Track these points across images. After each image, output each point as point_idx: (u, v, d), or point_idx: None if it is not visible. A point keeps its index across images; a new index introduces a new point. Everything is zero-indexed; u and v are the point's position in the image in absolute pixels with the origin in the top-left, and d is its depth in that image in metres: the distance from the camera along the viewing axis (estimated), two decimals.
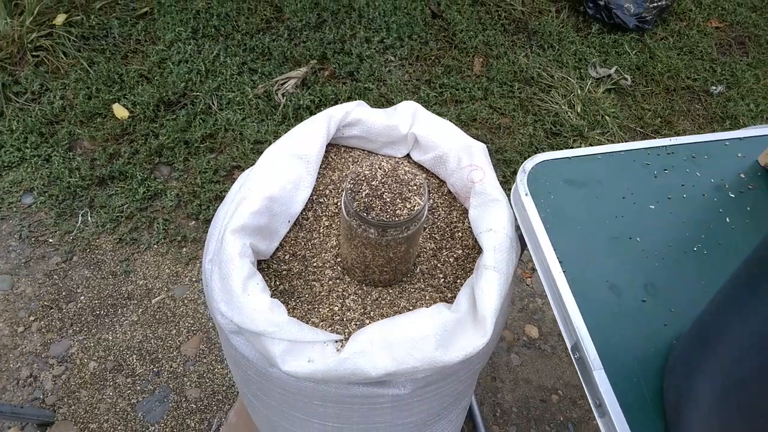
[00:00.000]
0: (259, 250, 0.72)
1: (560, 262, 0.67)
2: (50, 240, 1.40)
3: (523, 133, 1.66)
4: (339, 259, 0.76)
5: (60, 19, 1.68)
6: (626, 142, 1.69)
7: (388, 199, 0.60)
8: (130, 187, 1.46)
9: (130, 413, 1.18)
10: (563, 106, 1.74)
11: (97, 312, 1.31)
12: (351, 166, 0.84)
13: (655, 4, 1.98)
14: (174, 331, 1.29)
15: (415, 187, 0.62)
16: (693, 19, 2.09)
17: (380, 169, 0.63)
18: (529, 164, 0.75)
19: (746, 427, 0.40)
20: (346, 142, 0.86)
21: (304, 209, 0.79)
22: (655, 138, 1.73)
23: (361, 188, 0.61)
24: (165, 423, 1.17)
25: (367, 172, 0.62)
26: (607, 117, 1.73)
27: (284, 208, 0.76)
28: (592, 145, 1.67)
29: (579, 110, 1.74)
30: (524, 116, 1.70)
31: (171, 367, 1.24)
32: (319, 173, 0.82)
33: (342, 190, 0.82)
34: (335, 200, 0.81)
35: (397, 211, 0.60)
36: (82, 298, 1.33)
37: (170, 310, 1.32)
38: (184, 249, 1.41)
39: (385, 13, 1.88)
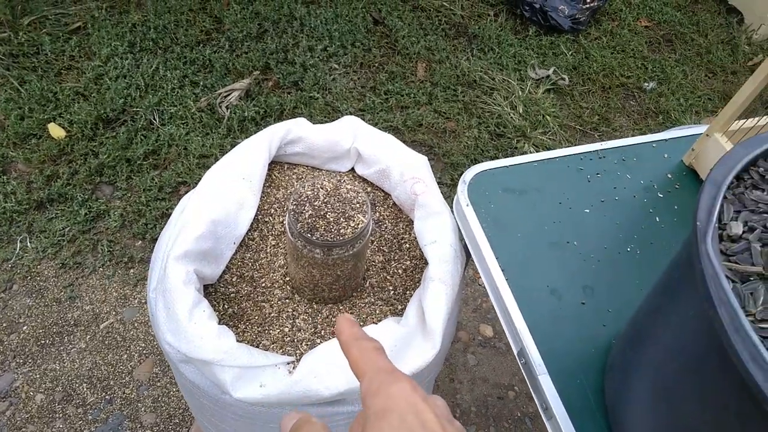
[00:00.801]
0: (205, 275, 0.71)
1: (503, 270, 0.69)
2: None
3: (469, 135, 1.69)
4: (287, 278, 0.76)
5: None
6: (566, 140, 1.75)
7: (331, 219, 0.61)
8: (70, 210, 1.41)
9: None
10: (506, 108, 1.78)
11: (42, 341, 1.26)
12: (295, 183, 0.84)
13: (588, 6, 2.06)
14: (125, 356, 1.26)
15: (358, 205, 0.62)
16: (624, 19, 2.18)
17: (322, 188, 0.64)
18: (468, 175, 0.77)
19: (675, 428, 0.43)
20: (289, 159, 0.86)
21: (249, 229, 0.79)
22: (594, 135, 1.80)
23: (303, 209, 0.61)
24: None
25: (309, 193, 0.62)
26: (548, 116, 1.79)
27: (229, 230, 0.75)
28: (535, 145, 1.72)
29: (521, 111, 1.79)
30: (468, 119, 1.74)
31: (124, 393, 1.20)
32: (263, 192, 0.82)
33: (286, 210, 0.83)
34: (281, 219, 0.81)
35: (341, 230, 0.61)
36: (25, 328, 1.27)
37: (120, 334, 1.29)
38: (132, 270, 1.38)
39: (326, 21, 1.88)
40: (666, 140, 0.86)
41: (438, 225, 0.74)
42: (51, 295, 1.32)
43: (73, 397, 1.19)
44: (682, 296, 0.44)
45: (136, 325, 1.30)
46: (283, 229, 0.80)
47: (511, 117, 1.76)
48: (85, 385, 1.21)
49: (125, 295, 1.34)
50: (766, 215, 0.42)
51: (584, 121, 1.83)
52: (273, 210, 0.81)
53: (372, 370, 0.31)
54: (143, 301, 1.33)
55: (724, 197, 0.43)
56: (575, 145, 1.78)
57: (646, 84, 1.97)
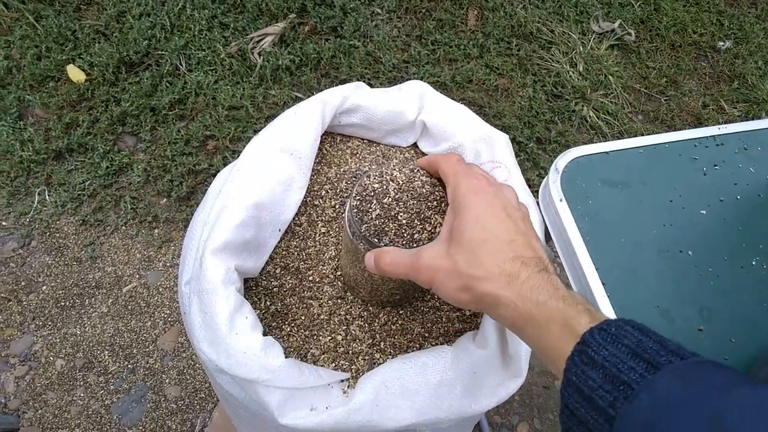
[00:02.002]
0: (246, 269, 0.61)
1: (603, 284, 0.57)
2: (3, 223, 1.25)
3: (523, 95, 1.54)
4: (339, 273, 0.65)
5: None
6: (629, 104, 1.58)
7: (404, 221, 0.48)
8: (91, 161, 1.31)
9: (105, 416, 1.08)
10: (565, 65, 1.61)
11: (62, 303, 1.18)
12: (349, 160, 0.72)
13: None
14: (149, 323, 1.18)
15: (435, 203, 0.50)
16: None
17: (393, 181, 0.51)
18: (561, 161, 0.64)
19: None
20: (343, 131, 0.73)
21: (296, 214, 0.67)
22: (660, 99, 1.63)
23: (370, 207, 0.49)
24: (143, 425, 1.08)
25: (376, 186, 0.50)
26: (610, 77, 1.62)
27: (274, 215, 0.64)
28: (595, 108, 1.56)
29: (581, 69, 1.61)
30: (523, 76, 1.57)
31: (147, 363, 1.13)
32: (312, 170, 0.69)
33: (339, 191, 0.70)
34: (332, 202, 0.69)
35: (416, 236, 0.49)
36: (44, 288, 1.20)
37: (143, 299, 1.21)
38: (156, 230, 1.28)
39: None
40: None
41: None
42: (71, 253, 1.23)
43: (95, 364, 1.12)
44: None
45: (160, 290, 1.22)
46: (335, 215, 0.68)
47: (570, 76, 1.59)
48: (106, 352, 1.14)
49: (149, 257, 1.25)
50: None
51: (650, 83, 1.66)
52: (324, 191, 0.69)
53: (457, 170, 0.43)
54: (168, 264, 1.25)
55: None
56: (639, 109, 1.62)
57: (721, 43, 1.77)
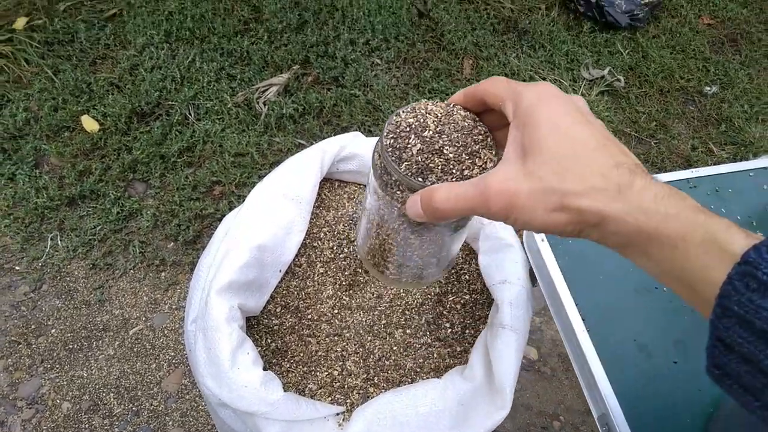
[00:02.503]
0: (248, 308, 0.65)
1: (583, 319, 0.60)
2: (17, 268, 1.30)
3: None
4: (353, 249, 0.51)
5: (20, 23, 1.56)
6: None
7: (450, 155, 0.40)
8: (102, 207, 1.37)
9: None
10: None
11: (70, 346, 1.22)
12: (346, 204, 0.77)
13: (647, 1, 1.92)
14: (154, 365, 1.21)
15: (480, 138, 0.42)
16: (685, 16, 2.04)
17: (430, 114, 0.42)
18: None
19: None
20: (341, 177, 0.78)
21: (296, 255, 0.72)
22: (650, 142, 1.68)
23: (408, 143, 0.41)
24: None
25: (411, 121, 0.42)
26: (602, 121, 1.68)
27: (275, 256, 0.68)
28: None
29: None
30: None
31: (151, 405, 1.16)
32: (312, 214, 0.74)
33: (337, 233, 0.75)
34: (330, 244, 0.73)
35: (466, 172, 0.41)
36: (53, 331, 1.23)
37: (149, 341, 1.24)
38: (163, 273, 1.32)
39: (369, 13, 1.79)
40: (765, 168, 0.76)
41: (508, 261, 0.66)
42: (80, 297, 1.27)
43: (100, 407, 1.15)
44: None
45: (165, 332, 1.25)
46: (332, 255, 0.73)
47: None
48: (112, 394, 1.16)
49: (156, 299, 1.29)
50: None
51: (640, 126, 1.72)
52: (322, 234, 0.74)
53: (512, 86, 0.36)
54: (174, 306, 1.28)
55: None
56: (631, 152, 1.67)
57: (707, 88, 1.84)
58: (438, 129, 0.41)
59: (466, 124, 0.42)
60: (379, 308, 0.71)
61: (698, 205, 0.30)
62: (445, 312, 0.72)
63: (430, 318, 0.71)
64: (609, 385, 0.57)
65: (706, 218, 0.28)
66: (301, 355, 0.67)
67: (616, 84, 1.78)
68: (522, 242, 0.69)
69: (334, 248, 0.73)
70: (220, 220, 1.34)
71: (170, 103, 1.52)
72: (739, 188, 0.74)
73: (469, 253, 0.76)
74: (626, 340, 0.60)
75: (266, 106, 1.55)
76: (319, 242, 0.73)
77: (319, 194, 0.77)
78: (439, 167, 0.40)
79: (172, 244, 1.36)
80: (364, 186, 0.79)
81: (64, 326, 1.24)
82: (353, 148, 0.74)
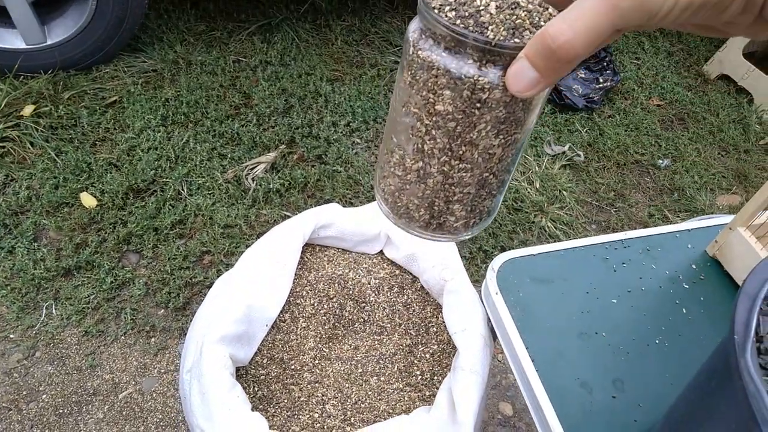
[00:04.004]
0: (238, 358, 0.73)
1: (533, 360, 0.69)
2: (11, 336, 1.35)
3: None
4: (380, 188, 0.41)
5: (28, 110, 1.70)
6: (583, 215, 1.78)
7: (530, 6, 0.31)
8: (97, 277, 1.44)
9: None
10: (523, 183, 1.82)
11: (60, 411, 1.25)
12: (326, 266, 0.87)
13: (601, 85, 2.13)
14: (142, 428, 1.24)
15: None
16: (636, 98, 2.25)
17: None
18: (497, 263, 0.79)
19: None
20: (321, 242, 0.88)
21: (281, 312, 0.80)
22: (610, 210, 1.82)
23: (479, 3, 0.31)
24: None
25: None
26: (564, 192, 1.82)
27: (262, 313, 0.77)
28: (552, 220, 1.74)
29: (538, 186, 1.82)
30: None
31: None
32: (295, 274, 0.84)
33: (318, 291, 0.84)
34: (311, 301, 0.82)
35: (535, 20, 0.31)
36: (44, 396, 1.27)
37: (138, 405, 1.28)
38: (153, 339, 1.38)
39: (350, 98, 1.97)
40: (689, 230, 0.88)
41: (467, 312, 0.76)
42: (72, 363, 1.32)
43: None
44: (721, 408, 0.45)
45: (154, 395, 1.30)
46: (313, 311, 0.82)
47: (528, 192, 1.80)
48: None
49: (145, 364, 1.34)
50: None
51: (600, 196, 1.86)
52: (305, 292, 0.83)
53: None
54: (163, 370, 1.33)
55: (759, 309, 0.45)
56: (593, 219, 1.81)
57: (660, 161, 2.01)
58: None
59: None
60: (356, 358, 0.79)
61: None
62: (415, 361, 0.80)
63: (402, 366, 0.79)
64: (556, 418, 0.65)
65: None
66: (285, 401, 0.74)
67: (576, 158, 1.95)
68: (480, 297, 0.79)
69: (315, 305, 0.82)
70: (209, 287, 1.42)
71: (165, 180, 1.64)
72: (667, 248, 0.85)
73: (436, 307, 0.85)
74: (570, 379, 0.68)
75: (254, 182, 1.67)
76: (302, 300, 0.82)
77: (301, 258, 0.87)
78: (527, 21, 0.31)
79: (162, 310, 1.43)
80: (342, 249, 0.90)
81: (55, 391, 1.28)
82: (331, 218, 0.85)
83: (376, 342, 0.81)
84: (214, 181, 1.66)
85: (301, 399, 0.74)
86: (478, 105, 0.32)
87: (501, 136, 0.34)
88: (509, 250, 1.64)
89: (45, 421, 1.24)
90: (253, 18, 2.26)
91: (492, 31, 0.30)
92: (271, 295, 0.78)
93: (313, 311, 0.82)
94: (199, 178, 1.66)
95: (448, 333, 0.81)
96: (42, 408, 1.26)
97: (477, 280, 1.55)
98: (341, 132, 1.86)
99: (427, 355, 0.81)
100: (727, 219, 0.88)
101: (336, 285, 0.84)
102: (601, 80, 2.15)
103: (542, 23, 0.31)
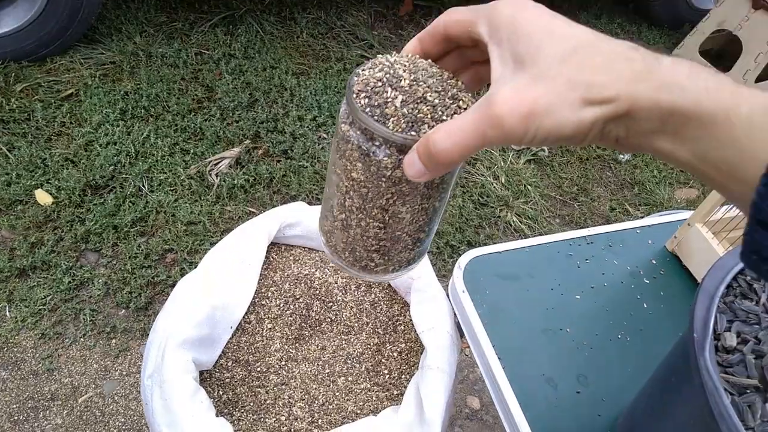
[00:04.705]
0: (202, 362, 0.71)
1: (499, 358, 0.70)
2: None
3: (453, 204, 1.73)
4: (325, 235, 0.46)
5: None
6: (547, 209, 1.80)
7: (436, 101, 0.35)
8: (53, 278, 1.39)
9: None
10: (489, 178, 1.84)
11: (15, 418, 1.21)
12: (292, 265, 0.85)
13: None
14: None
15: (453, 81, 0.37)
16: None
17: (397, 64, 0.37)
18: (464, 260, 0.79)
19: None
20: (287, 241, 0.87)
21: (246, 313, 0.79)
22: (573, 204, 1.86)
23: (387, 98, 0.35)
24: None
25: (380, 75, 0.36)
26: (529, 186, 1.85)
27: (226, 314, 0.76)
28: (518, 214, 1.76)
29: (503, 181, 1.84)
30: (453, 189, 1.78)
31: None
32: (260, 275, 0.82)
33: (283, 292, 0.83)
34: (277, 302, 0.81)
35: (454, 116, 0.35)
36: None
37: (99, 408, 1.24)
38: (114, 340, 1.35)
39: (316, 92, 1.95)
40: (649, 226, 0.90)
41: (434, 311, 0.76)
42: (28, 367, 1.28)
43: None
44: (680, 403, 0.46)
45: (116, 398, 1.26)
46: (279, 312, 0.80)
47: (494, 187, 1.82)
48: None
49: (106, 366, 1.30)
50: (756, 326, 0.45)
51: (564, 191, 1.90)
52: (270, 293, 0.81)
53: (475, 11, 0.33)
54: (125, 373, 1.30)
55: (717, 307, 0.46)
56: (557, 213, 1.84)
57: (621, 156, 2.06)
58: (413, 78, 0.36)
59: (434, 70, 0.37)
60: (323, 359, 0.78)
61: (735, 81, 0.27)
62: (383, 360, 0.80)
63: (370, 366, 0.79)
64: (521, 413, 0.65)
65: (750, 92, 0.25)
66: (251, 404, 0.73)
67: (541, 153, 1.97)
68: (447, 294, 0.79)
69: (281, 305, 0.81)
70: (173, 286, 1.39)
71: (124, 176, 1.59)
72: (629, 243, 0.87)
73: (404, 305, 0.85)
74: (536, 375, 0.69)
75: (218, 178, 1.63)
76: (267, 300, 0.81)
77: (267, 258, 0.85)
78: (428, 116, 0.35)
79: (123, 311, 1.39)
80: (309, 248, 0.88)
81: (10, 398, 1.23)
82: (297, 216, 0.83)
83: (344, 342, 0.80)
84: (177, 177, 1.62)
85: (268, 402, 0.73)
86: (383, 179, 0.37)
87: (408, 205, 0.39)
88: (475, 244, 1.66)
89: None
90: (215, 9, 2.21)
91: (392, 123, 0.34)
92: (235, 296, 0.77)
93: (279, 312, 0.80)
94: (160, 174, 1.62)
95: (415, 331, 0.81)
96: None
97: (444, 275, 1.56)
98: (307, 126, 1.84)
99: (395, 354, 0.80)
100: (685, 215, 0.90)
101: (302, 285, 0.83)
102: None
103: (444, 117, 0.35)
